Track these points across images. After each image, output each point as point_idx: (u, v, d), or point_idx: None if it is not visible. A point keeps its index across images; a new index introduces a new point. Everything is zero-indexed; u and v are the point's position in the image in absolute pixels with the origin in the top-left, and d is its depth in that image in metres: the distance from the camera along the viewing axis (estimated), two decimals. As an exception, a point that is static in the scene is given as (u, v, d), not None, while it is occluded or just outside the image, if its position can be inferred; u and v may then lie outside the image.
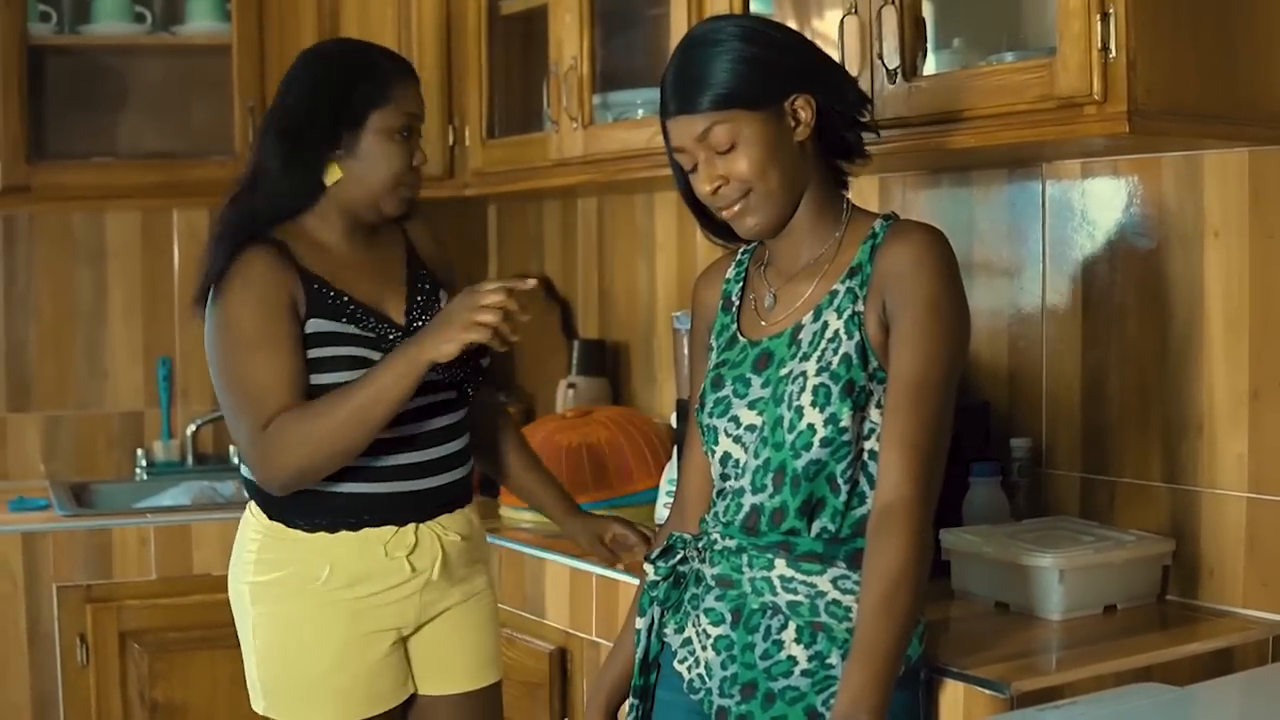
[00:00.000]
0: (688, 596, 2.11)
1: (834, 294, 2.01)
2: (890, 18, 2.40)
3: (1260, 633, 2.28)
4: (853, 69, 2.45)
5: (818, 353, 1.99)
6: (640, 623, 2.15)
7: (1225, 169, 2.37)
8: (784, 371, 2.02)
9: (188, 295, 4.06)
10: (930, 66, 2.45)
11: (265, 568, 2.43)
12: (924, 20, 2.43)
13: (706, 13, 2.79)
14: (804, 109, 2.01)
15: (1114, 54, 2.08)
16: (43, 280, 3.99)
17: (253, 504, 2.48)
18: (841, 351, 1.97)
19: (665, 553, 2.14)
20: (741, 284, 2.16)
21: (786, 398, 1.99)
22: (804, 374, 1.98)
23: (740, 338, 2.11)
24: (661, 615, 2.14)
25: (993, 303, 2.76)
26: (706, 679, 2.05)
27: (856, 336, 1.97)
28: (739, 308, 2.15)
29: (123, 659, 3.40)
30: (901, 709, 1.98)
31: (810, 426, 1.96)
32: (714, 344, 2.15)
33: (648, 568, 2.15)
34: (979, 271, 2.79)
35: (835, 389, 1.95)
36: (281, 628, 2.43)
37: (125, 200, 3.93)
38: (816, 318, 2.02)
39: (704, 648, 2.05)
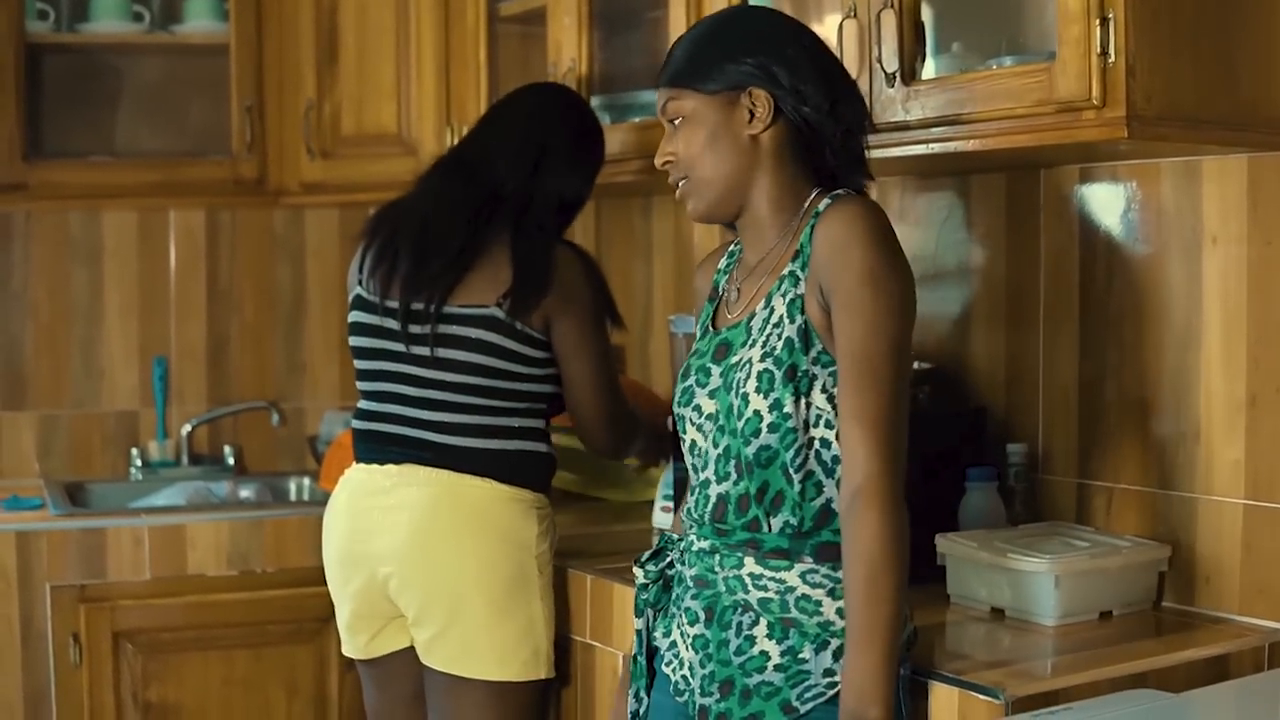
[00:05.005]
0: (672, 598, 2.12)
1: (781, 279, 2.01)
2: (889, 21, 2.39)
3: (1256, 640, 2.27)
4: (851, 72, 2.44)
5: (763, 338, 1.99)
6: (638, 623, 2.17)
7: (1224, 175, 2.37)
8: (735, 359, 2.02)
9: (184, 295, 4.08)
10: (929, 70, 2.44)
11: (544, 537, 2.72)
12: (923, 24, 2.42)
13: (705, 15, 2.78)
14: (760, 104, 2.01)
15: (1113, 59, 2.07)
16: (39, 279, 3.98)
17: (511, 485, 2.67)
18: (784, 336, 1.96)
19: (655, 555, 2.16)
20: (728, 275, 2.17)
21: (735, 385, 1.99)
22: (750, 360, 1.98)
23: (711, 328, 2.13)
24: (654, 618, 2.16)
25: (990, 307, 2.76)
26: (690, 680, 2.05)
27: (798, 320, 1.96)
28: (719, 299, 2.16)
29: (116, 659, 3.39)
30: None
31: (756, 413, 1.96)
32: (696, 333, 2.17)
33: (637, 571, 2.16)
34: (976, 276, 2.79)
35: (778, 374, 1.95)
36: (553, 588, 2.74)
37: (122, 199, 3.92)
38: (767, 304, 2.01)
39: (685, 648, 2.06)
